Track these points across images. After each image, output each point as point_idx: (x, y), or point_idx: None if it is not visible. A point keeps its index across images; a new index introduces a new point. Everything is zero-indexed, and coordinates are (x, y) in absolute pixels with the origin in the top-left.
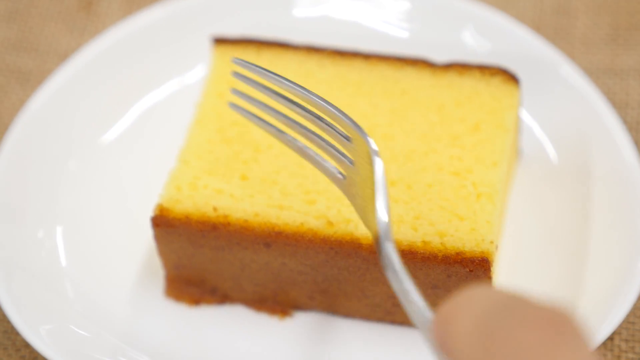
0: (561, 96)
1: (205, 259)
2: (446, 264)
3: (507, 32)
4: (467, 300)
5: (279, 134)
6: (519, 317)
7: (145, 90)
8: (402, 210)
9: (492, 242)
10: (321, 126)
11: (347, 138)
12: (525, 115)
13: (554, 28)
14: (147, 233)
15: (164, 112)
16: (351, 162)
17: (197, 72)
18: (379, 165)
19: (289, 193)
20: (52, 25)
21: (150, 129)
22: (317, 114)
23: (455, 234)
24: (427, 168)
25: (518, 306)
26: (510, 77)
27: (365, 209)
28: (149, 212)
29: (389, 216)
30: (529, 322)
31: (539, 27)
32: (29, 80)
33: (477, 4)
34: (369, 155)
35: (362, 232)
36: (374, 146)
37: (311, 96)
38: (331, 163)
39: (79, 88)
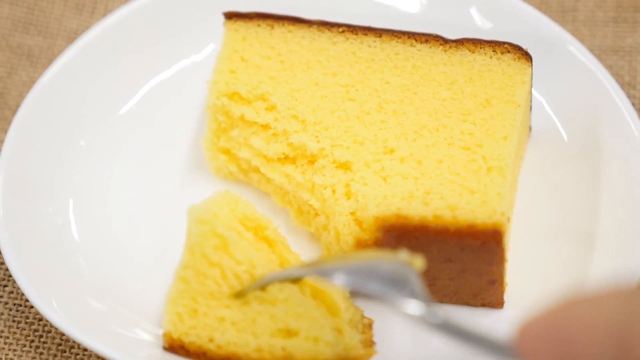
0: (569, 73)
1: None
2: (458, 237)
3: (514, 11)
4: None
5: None
6: None
7: (156, 69)
8: (412, 185)
9: (503, 214)
10: None
11: None
12: (533, 93)
13: (558, 9)
14: (158, 207)
15: (174, 90)
16: None
17: (208, 50)
18: None
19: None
20: (61, 5)
21: (161, 106)
22: None
23: (467, 207)
24: (438, 143)
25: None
26: (522, 54)
27: None
28: (160, 187)
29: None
30: None
31: (544, 8)
32: (40, 59)
33: None
34: None
35: None
36: None
37: None
38: None
39: (89, 65)
